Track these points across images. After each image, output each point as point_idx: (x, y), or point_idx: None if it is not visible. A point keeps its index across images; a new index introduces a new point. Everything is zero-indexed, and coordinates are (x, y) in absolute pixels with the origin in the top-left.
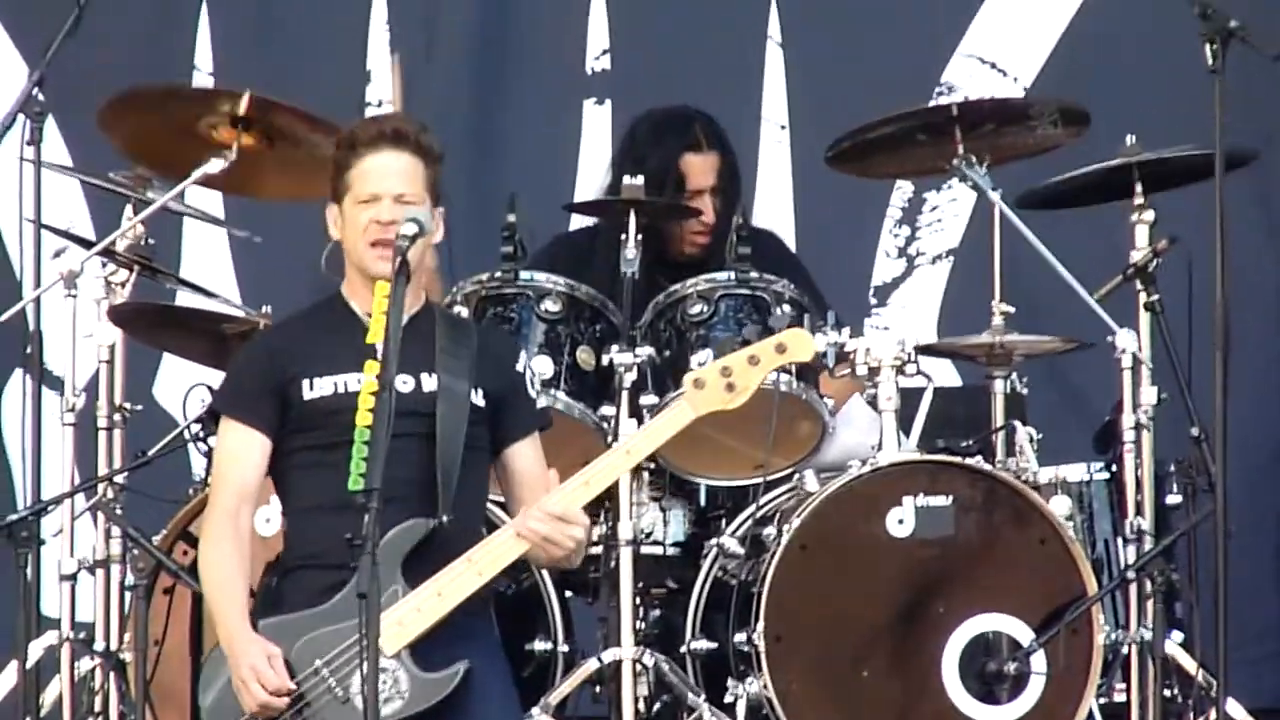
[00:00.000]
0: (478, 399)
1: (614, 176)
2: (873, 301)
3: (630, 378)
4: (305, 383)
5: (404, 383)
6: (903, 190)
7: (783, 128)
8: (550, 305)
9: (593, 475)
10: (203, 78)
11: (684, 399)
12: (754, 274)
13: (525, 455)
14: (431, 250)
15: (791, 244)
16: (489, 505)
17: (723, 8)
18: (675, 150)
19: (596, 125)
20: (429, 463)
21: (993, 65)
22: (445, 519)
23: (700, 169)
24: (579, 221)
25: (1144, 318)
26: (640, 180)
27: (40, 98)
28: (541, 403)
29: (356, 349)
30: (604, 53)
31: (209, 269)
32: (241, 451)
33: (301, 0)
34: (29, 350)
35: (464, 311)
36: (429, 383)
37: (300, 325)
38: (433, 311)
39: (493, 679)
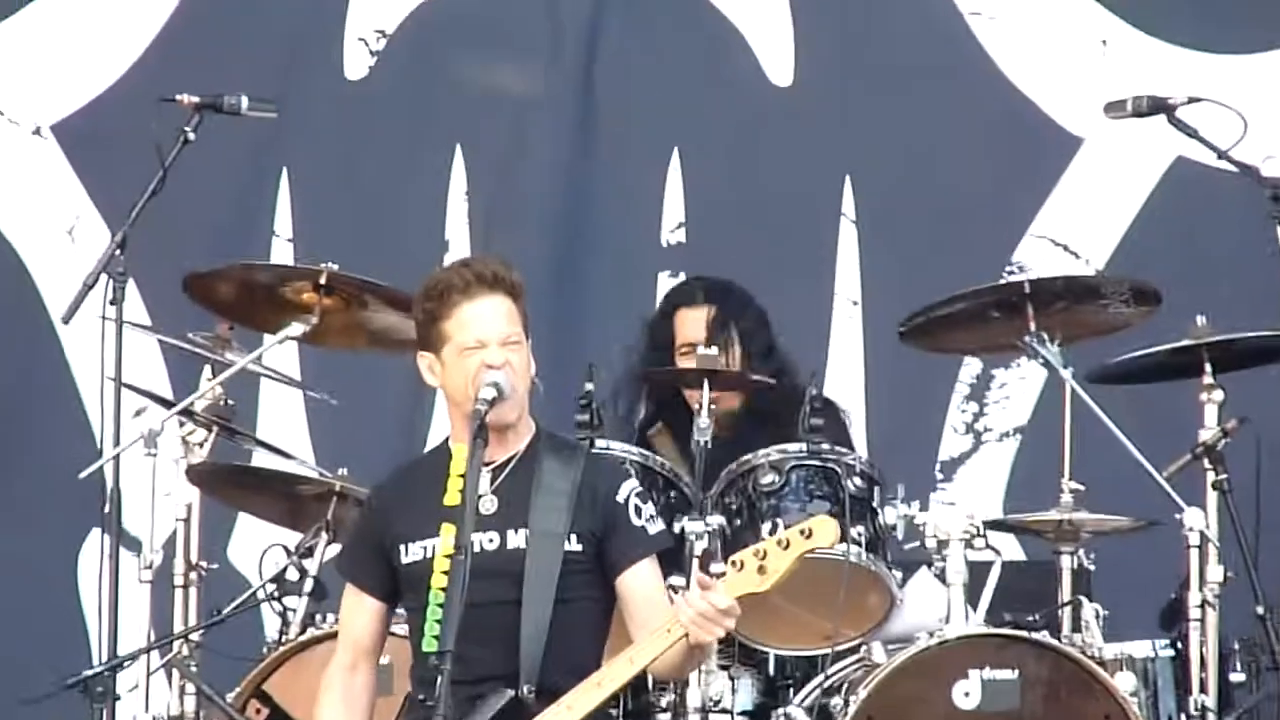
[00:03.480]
0: (573, 545)
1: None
2: (939, 476)
3: (701, 546)
4: (401, 548)
5: (490, 541)
6: (971, 367)
7: (854, 303)
8: (629, 470)
9: (635, 652)
10: (282, 244)
11: (722, 580)
12: (825, 445)
13: (638, 579)
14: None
15: (861, 418)
16: None
17: (798, 184)
18: (669, 308)
19: None
20: (514, 630)
21: (1065, 247)
22: (526, 689)
23: (690, 321)
24: None
25: (1212, 496)
26: (714, 351)
27: (123, 258)
28: (655, 528)
29: (446, 510)
30: (679, 226)
31: (284, 428)
32: (355, 613)
33: (381, 169)
34: (107, 509)
35: None
36: (515, 539)
37: (403, 482)
38: (537, 450)
39: None
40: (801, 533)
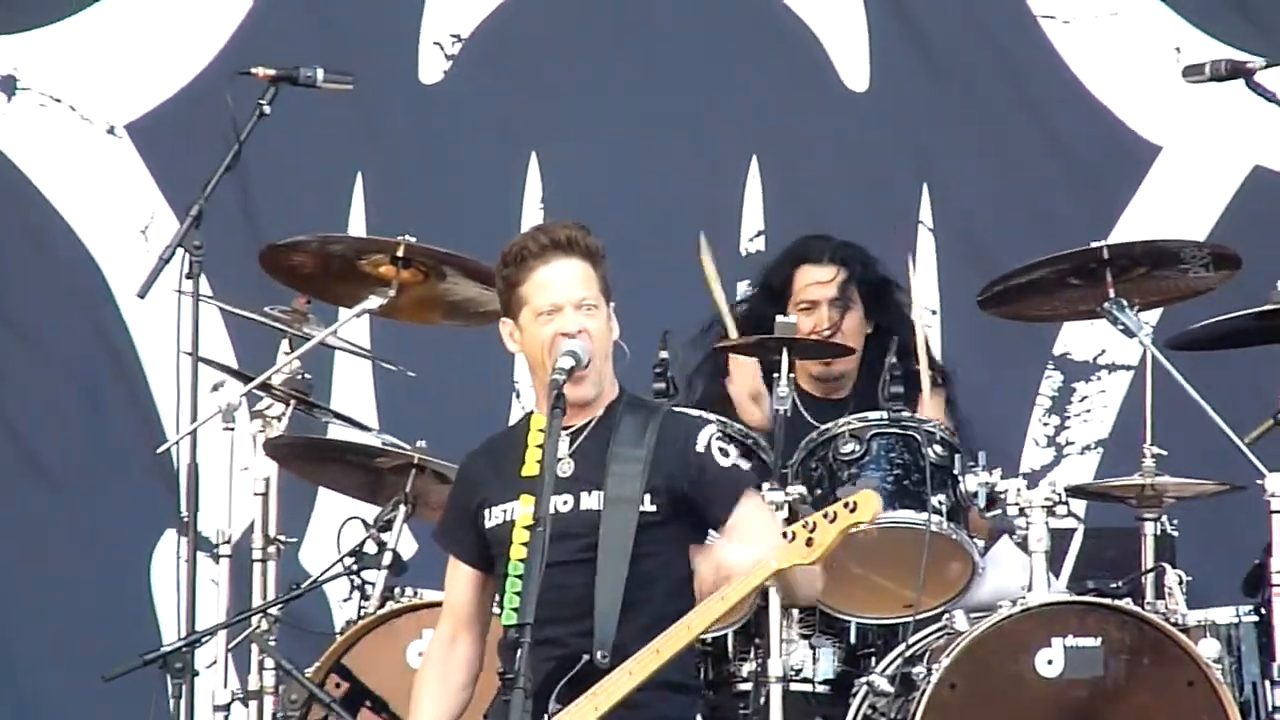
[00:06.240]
0: (647, 505)
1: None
2: None
3: (781, 516)
4: (485, 513)
5: (564, 503)
6: (1052, 379)
7: (934, 312)
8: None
9: (692, 619)
10: None
11: (770, 551)
12: (906, 413)
13: (741, 521)
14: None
15: None
16: None
17: (875, 191)
18: (792, 261)
19: None
20: (589, 591)
21: None
22: (600, 654)
23: (813, 279)
24: None
25: None
26: (793, 319)
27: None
28: (745, 464)
29: (525, 479)
30: (758, 234)
31: (355, 403)
32: (453, 583)
33: (456, 175)
34: (184, 485)
35: None
36: (589, 500)
37: (489, 450)
38: (616, 412)
39: None
40: (846, 506)
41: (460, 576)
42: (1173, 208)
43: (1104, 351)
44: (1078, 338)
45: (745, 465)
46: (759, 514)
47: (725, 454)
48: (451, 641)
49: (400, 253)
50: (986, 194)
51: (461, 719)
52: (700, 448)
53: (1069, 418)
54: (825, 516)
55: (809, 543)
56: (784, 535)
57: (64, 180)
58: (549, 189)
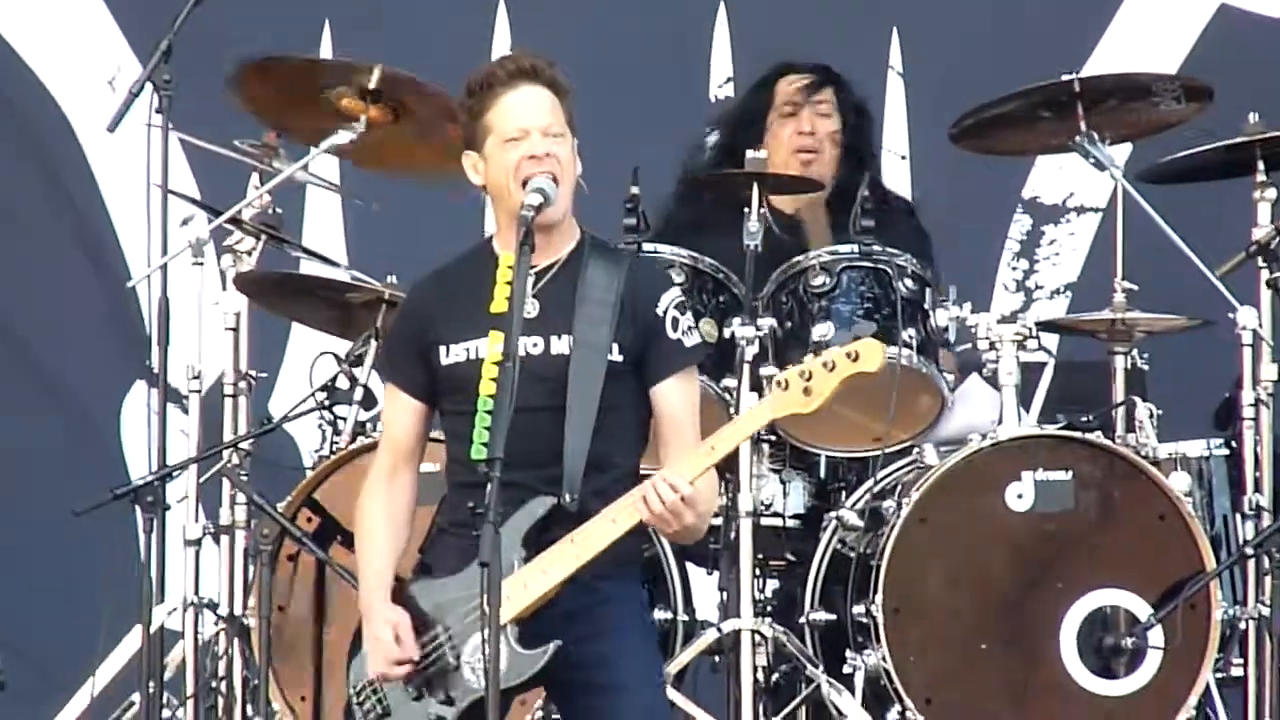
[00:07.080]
0: (615, 355)
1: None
2: None
3: (752, 350)
4: (442, 348)
5: (533, 345)
6: (1021, 223)
7: (902, 158)
8: (673, 277)
9: (681, 468)
10: None
11: (767, 398)
12: (877, 247)
13: (666, 397)
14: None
15: None
16: None
17: (845, 38)
18: (777, 72)
19: None
20: (557, 436)
21: None
22: (569, 497)
23: (793, 84)
24: None
25: (1265, 295)
26: (763, 154)
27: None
28: (691, 340)
29: (491, 317)
30: (727, 80)
31: (321, 234)
32: (395, 415)
33: (424, 23)
34: (155, 319)
35: None
36: (559, 345)
37: (444, 282)
38: (582, 255)
39: (632, 640)
40: (848, 355)
41: (403, 408)
42: (1140, 48)
43: (1073, 194)
44: (1047, 181)
45: (692, 341)
46: (683, 399)
47: (676, 325)
48: (392, 473)
49: (372, 84)
50: (956, 39)
51: None
52: (660, 310)
53: (1038, 261)
54: (825, 365)
55: (806, 391)
56: (777, 384)
57: (30, 30)
58: (517, 35)
